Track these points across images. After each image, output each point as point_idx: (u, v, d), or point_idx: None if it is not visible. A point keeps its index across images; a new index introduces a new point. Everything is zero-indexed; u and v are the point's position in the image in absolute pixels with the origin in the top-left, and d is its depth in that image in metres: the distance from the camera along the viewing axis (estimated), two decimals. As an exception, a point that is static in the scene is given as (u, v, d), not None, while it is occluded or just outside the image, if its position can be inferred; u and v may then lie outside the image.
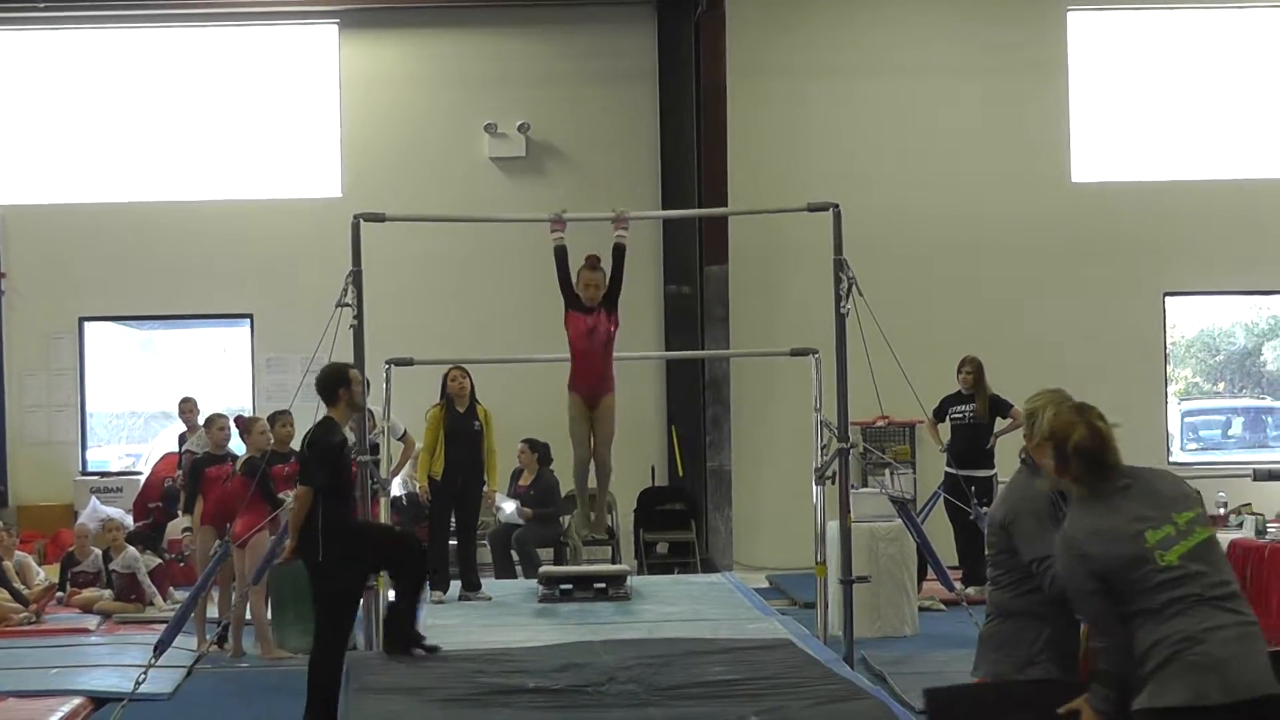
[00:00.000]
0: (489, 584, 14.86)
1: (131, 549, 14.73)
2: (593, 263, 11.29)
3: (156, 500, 16.71)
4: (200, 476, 13.03)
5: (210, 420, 13.47)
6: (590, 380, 11.35)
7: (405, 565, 9.97)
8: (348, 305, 11.30)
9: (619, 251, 11.36)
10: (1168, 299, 19.20)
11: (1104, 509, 5.64)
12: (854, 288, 11.26)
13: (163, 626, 11.23)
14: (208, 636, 12.72)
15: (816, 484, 12.05)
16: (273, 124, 18.94)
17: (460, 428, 14.22)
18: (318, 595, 9.63)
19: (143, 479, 17.75)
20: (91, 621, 14.17)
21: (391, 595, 10.35)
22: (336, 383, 9.75)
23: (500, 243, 17.99)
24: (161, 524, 16.18)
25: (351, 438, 11.72)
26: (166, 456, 17.31)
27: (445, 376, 14.35)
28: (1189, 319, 21.03)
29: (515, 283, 18.26)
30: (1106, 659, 5.52)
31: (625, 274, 11.44)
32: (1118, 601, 5.47)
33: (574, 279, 11.33)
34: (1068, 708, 5.58)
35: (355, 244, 11.49)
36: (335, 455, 9.54)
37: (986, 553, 6.40)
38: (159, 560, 14.93)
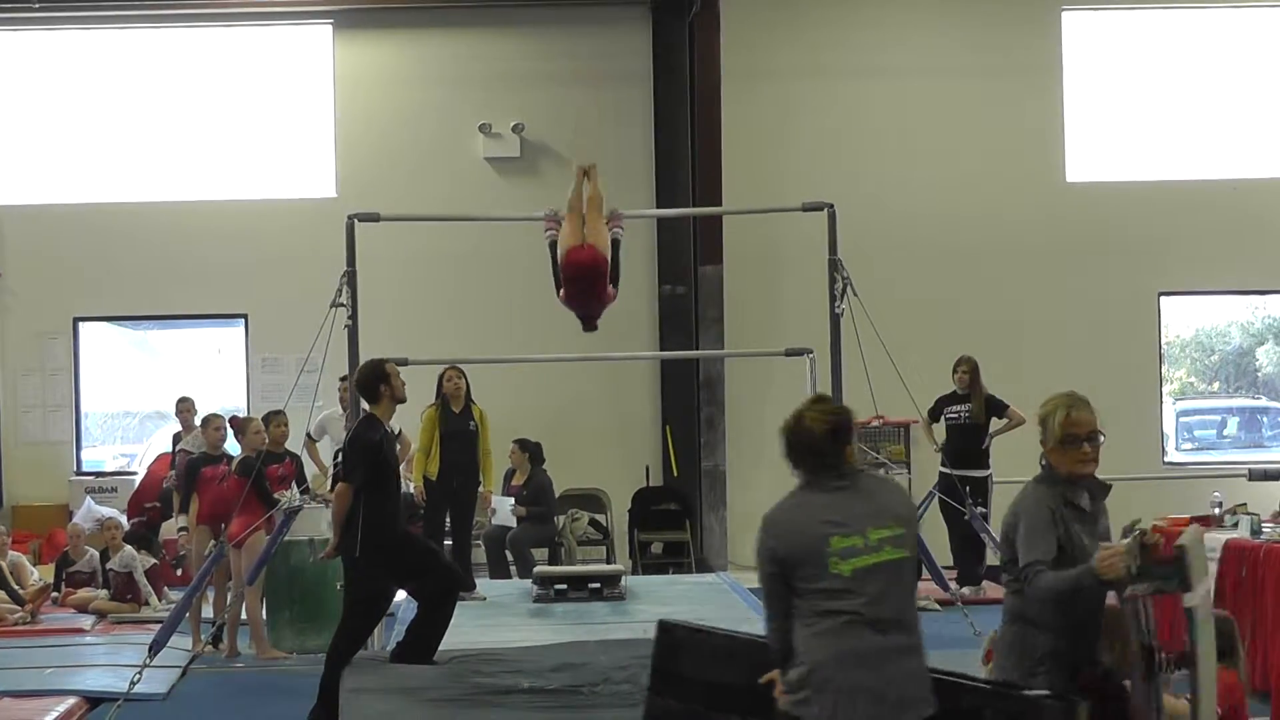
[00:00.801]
0: (484, 584, 14.85)
1: (129, 548, 14.73)
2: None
3: (153, 500, 16.73)
4: (196, 477, 13.02)
5: (206, 420, 13.47)
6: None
7: (437, 596, 9.82)
8: (342, 305, 11.33)
9: (614, 246, 11.32)
10: (1163, 299, 19.19)
11: (807, 501, 5.80)
12: (849, 288, 11.30)
13: (158, 627, 11.23)
14: (203, 637, 12.72)
15: (812, 484, 12.04)
16: (267, 124, 18.93)
17: (456, 428, 14.22)
18: (349, 593, 9.60)
19: (137, 479, 17.79)
20: (86, 621, 14.17)
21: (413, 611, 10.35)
22: (377, 379, 9.73)
23: (495, 243, 18.00)
24: (157, 523, 16.19)
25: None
26: (161, 457, 17.32)
27: (441, 377, 14.35)
28: (1184, 319, 21.04)
29: (510, 283, 18.24)
30: (771, 637, 5.66)
31: (622, 268, 11.50)
32: (788, 591, 5.62)
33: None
34: (767, 677, 5.69)
35: (350, 244, 11.52)
36: (375, 452, 9.51)
37: (1000, 558, 6.40)
38: (154, 560, 14.90)
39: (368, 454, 9.48)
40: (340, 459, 9.99)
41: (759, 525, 5.82)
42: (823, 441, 5.81)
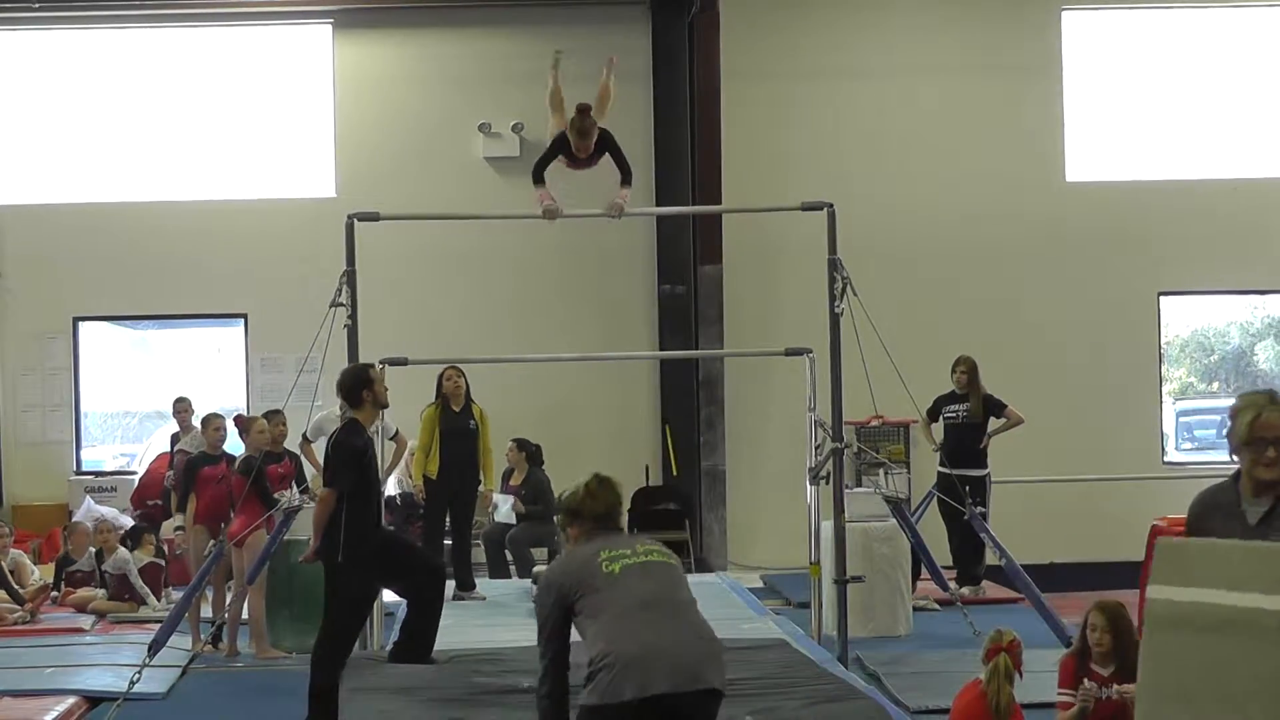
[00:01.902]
0: (483, 584, 14.87)
1: (122, 551, 14.69)
2: (584, 109, 11.31)
3: (155, 498, 16.72)
4: (195, 476, 13.02)
5: (206, 420, 13.46)
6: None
7: (424, 591, 9.82)
8: (342, 305, 11.31)
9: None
10: (1162, 298, 19.18)
11: (581, 548, 6.62)
12: (848, 287, 11.28)
13: (157, 626, 11.23)
14: (202, 636, 12.72)
15: (811, 484, 12.06)
16: (267, 124, 18.93)
17: (455, 427, 14.23)
18: (331, 597, 9.59)
19: (137, 479, 17.79)
20: (86, 621, 14.16)
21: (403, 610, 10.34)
22: (360, 384, 9.69)
23: (494, 242, 18.03)
24: (158, 521, 16.18)
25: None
26: (161, 456, 17.31)
27: (441, 376, 14.37)
28: (1183, 318, 21.03)
29: (509, 283, 18.27)
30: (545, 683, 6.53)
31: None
32: (570, 611, 6.39)
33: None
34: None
35: (349, 243, 11.50)
36: (359, 458, 9.49)
37: None
38: (148, 559, 14.85)
39: (353, 460, 9.46)
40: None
41: (543, 582, 6.71)
42: (604, 517, 6.69)
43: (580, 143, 11.13)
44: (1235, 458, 5.94)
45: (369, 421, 9.78)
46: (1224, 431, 6.08)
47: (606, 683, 6.15)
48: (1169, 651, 5.28)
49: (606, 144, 11.26)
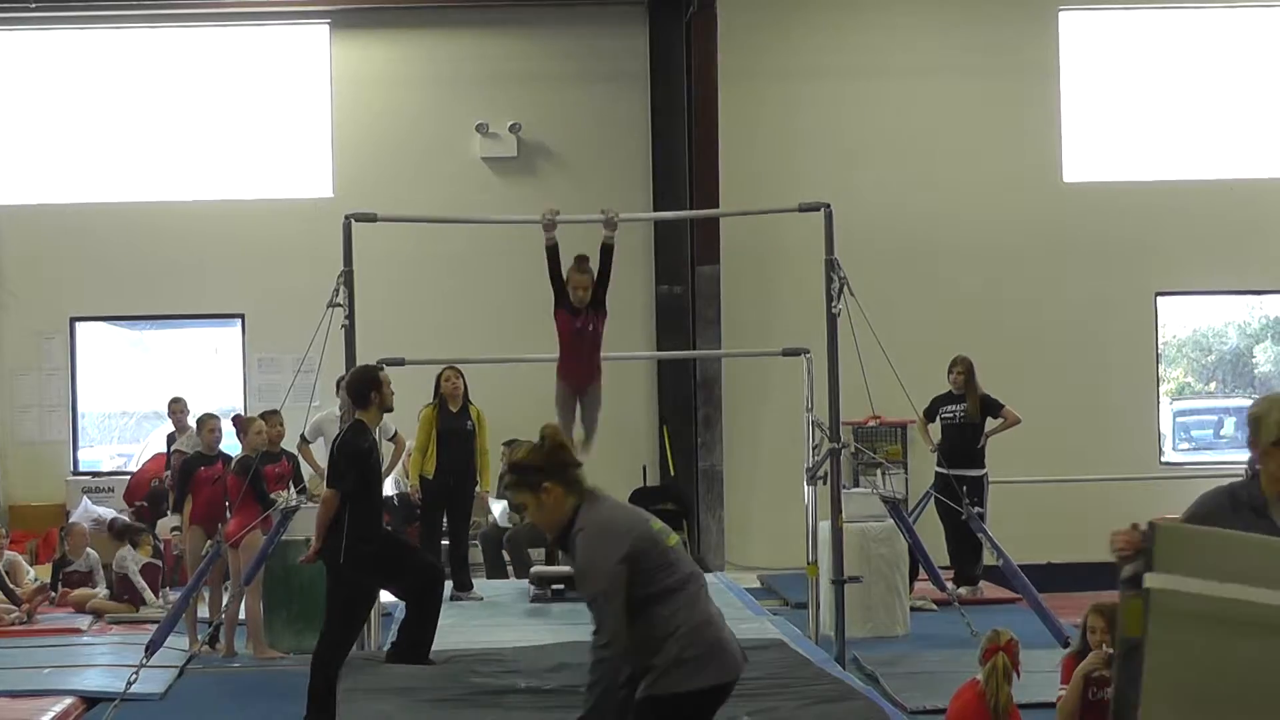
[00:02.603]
0: (480, 584, 14.85)
1: (125, 549, 14.69)
2: (581, 264, 11.09)
3: (141, 499, 16.70)
4: (190, 477, 13.00)
5: (201, 421, 13.45)
6: (579, 372, 11.22)
7: (423, 593, 9.83)
8: (339, 305, 11.30)
9: (607, 251, 11.21)
10: (1160, 299, 19.20)
11: (608, 503, 6.08)
12: (845, 288, 11.27)
13: (154, 627, 11.23)
14: (199, 637, 12.72)
15: (808, 484, 12.08)
16: (264, 124, 18.93)
17: (453, 428, 14.22)
18: (332, 597, 9.59)
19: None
20: (83, 621, 14.16)
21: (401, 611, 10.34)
22: (368, 386, 9.74)
23: (492, 243, 17.98)
24: (148, 521, 16.12)
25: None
26: (156, 456, 17.30)
27: (439, 376, 14.36)
28: (1181, 319, 21.05)
29: (507, 283, 18.25)
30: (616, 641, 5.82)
31: (614, 273, 11.31)
32: (639, 585, 5.82)
33: (564, 278, 11.17)
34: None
35: (347, 244, 11.50)
36: (364, 459, 9.52)
37: None
38: (146, 560, 14.83)
39: (358, 461, 9.49)
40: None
41: (592, 537, 5.94)
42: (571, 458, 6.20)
43: (577, 292, 11.04)
44: (1256, 459, 5.79)
45: (374, 423, 9.81)
46: (1246, 434, 5.88)
47: (693, 669, 5.88)
48: (1179, 647, 4.99)
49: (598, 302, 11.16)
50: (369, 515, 9.53)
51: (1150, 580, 5.07)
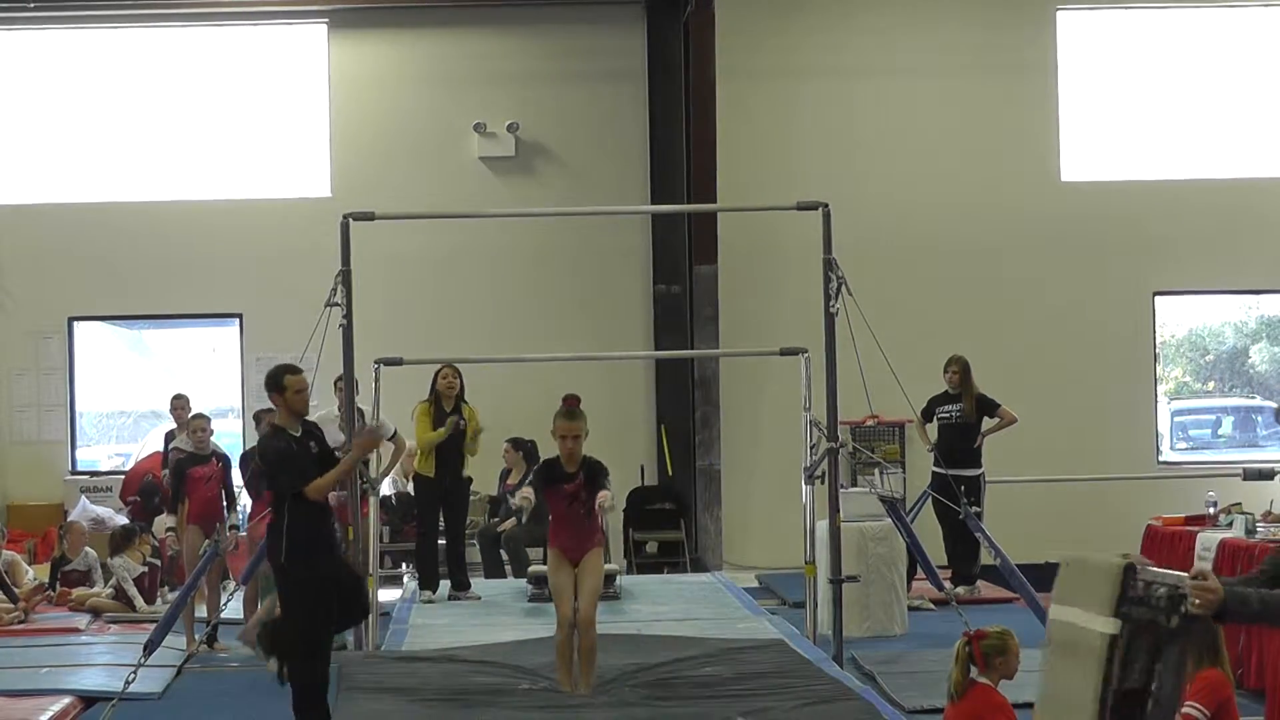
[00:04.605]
0: (478, 584, 14.87)
1: (119, 559, 14.58)
2: (570, 406, 10.06)
3: (134, 495, 16.68)
4: (183, 477, 12.96)
5: (189, 421, 13.42)
6: (575, 541, 9.78)
7: (349, 606, 9.64)
8: (337, 304, 11.33)
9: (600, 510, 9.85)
10: (1157, 298, 19.18)
11: None
12: (843, 287, 11.27)
13: (152, 626, 11.22)
14: (197, 636, 12.71)
15: (806, 483, 12.06)
16: (262, 124, 18.92)
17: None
18: (286, 600, 9.50)
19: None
20: (81, 621, 14.14)
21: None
22: (272, 388, 9.54)
23: (490, 242, 18.04)
24: (141, 517, 16.03)
25: (342, 438, 11.76)
26: (152, 455, 17.29)
27: (436, 374, 14.37)
28: (1179, 318, 21.06)
29: (505, 282, 18.27)
30: None
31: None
32: None
33: (550, 432, 9.98)
34: None
35: (344, 243, 11.52)
36: (289, 457, 9.31)
37: None
38: (140, 568, 14.71)
39: (281, 462, 9.32)
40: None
41: None
42: None
43: (565, 443, 9.82)
44: None
45: (289, 425, 9.47)
46: None
47: None
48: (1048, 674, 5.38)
49: (593, 471, 9.85)
50: (309, 514, 9.31)
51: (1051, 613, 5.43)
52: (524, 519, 15.19)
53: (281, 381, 9.48)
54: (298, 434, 9.43)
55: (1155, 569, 5.15)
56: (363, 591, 9.91)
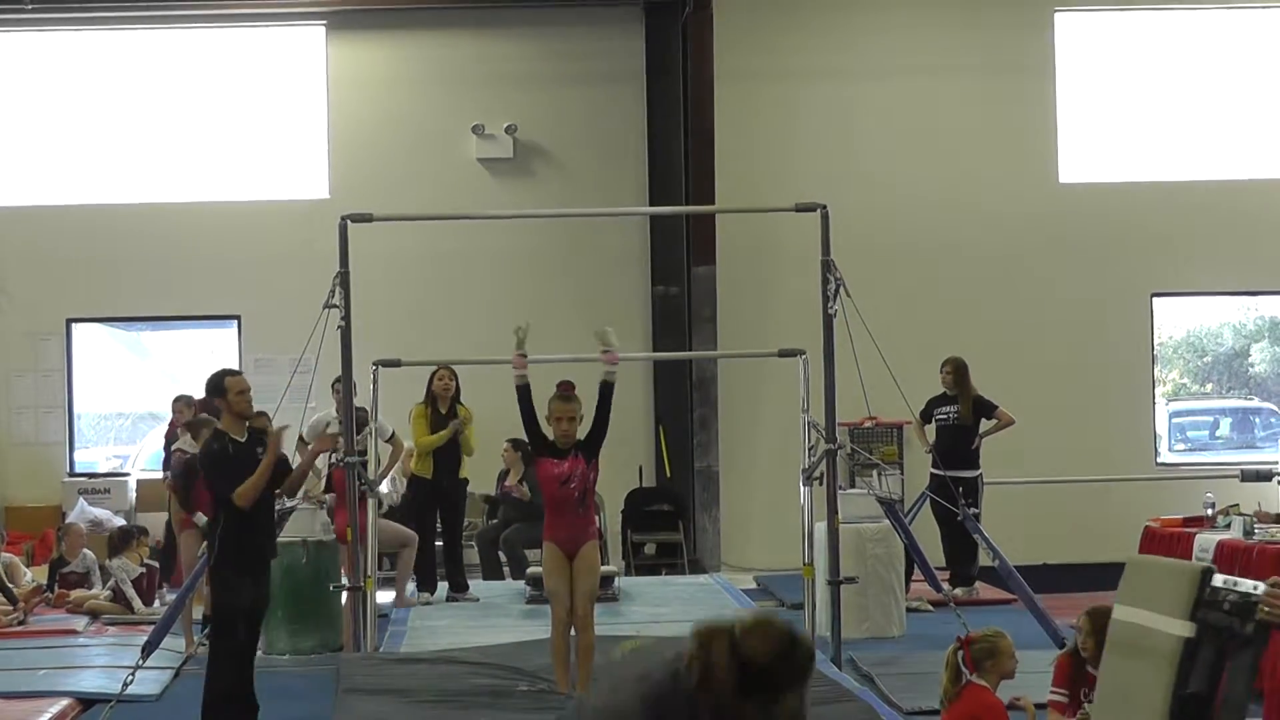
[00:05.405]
0: (476, 585, 14.86)
1: (118, 560, 14.55)
2: (565, 391, 9.84)
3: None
4: (195, 479, 12.92)
5: (192, 424, 13.41)
6: (569, 532, 9.61)
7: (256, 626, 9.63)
8: (335, 306, 11.32)
9: (606, 391, 9.80)
10: (1155, 300, 19.19)
11: None
12: (841, 289, 11.27)
13: (150, 628, 11.22)
14: (195, 638, 12.70)
15: (804, 485, 12.05)
16: (260, 125, 18.90)
17: (442, 428, 14.24)
18: (212, 602, 9.45)
19: (131, 480, 17.76)
20: (79, 623, 14.12)
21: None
22: (212, 392, 9.46)
23: (488, 244, 18.03)
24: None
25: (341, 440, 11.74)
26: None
27: (432, 375, 14.36)
28: (1177, 320, 21.07)
29: (503, 283, 18.24)
30: None
31: (612, 416, 9.89)
32: None
33: (544, 416, 9.82)
34: None
35: (343, 245, 11.51)
36: (223, 462, 9.23)
37: None
38: (139, 569, 14.68)
39: (217, 465, 9.27)
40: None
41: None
42: None
43: (560, 425, 9.70)
44: None
45: (233, 429, 9.37)
46: None
47: None
48: (1110, 673, 5.32)
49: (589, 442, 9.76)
50: (242, 521, 9.20)
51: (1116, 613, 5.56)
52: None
53: (222, 384, 9.40)
54: (242, 439, 9.34)
55: (1227, 575, 5.18)
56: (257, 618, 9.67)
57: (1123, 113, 19.27)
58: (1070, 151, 19.11)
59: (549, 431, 9.73)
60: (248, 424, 9.47)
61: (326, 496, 13.29)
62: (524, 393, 9.88)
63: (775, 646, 4.21)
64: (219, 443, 9.32)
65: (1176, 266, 19.04)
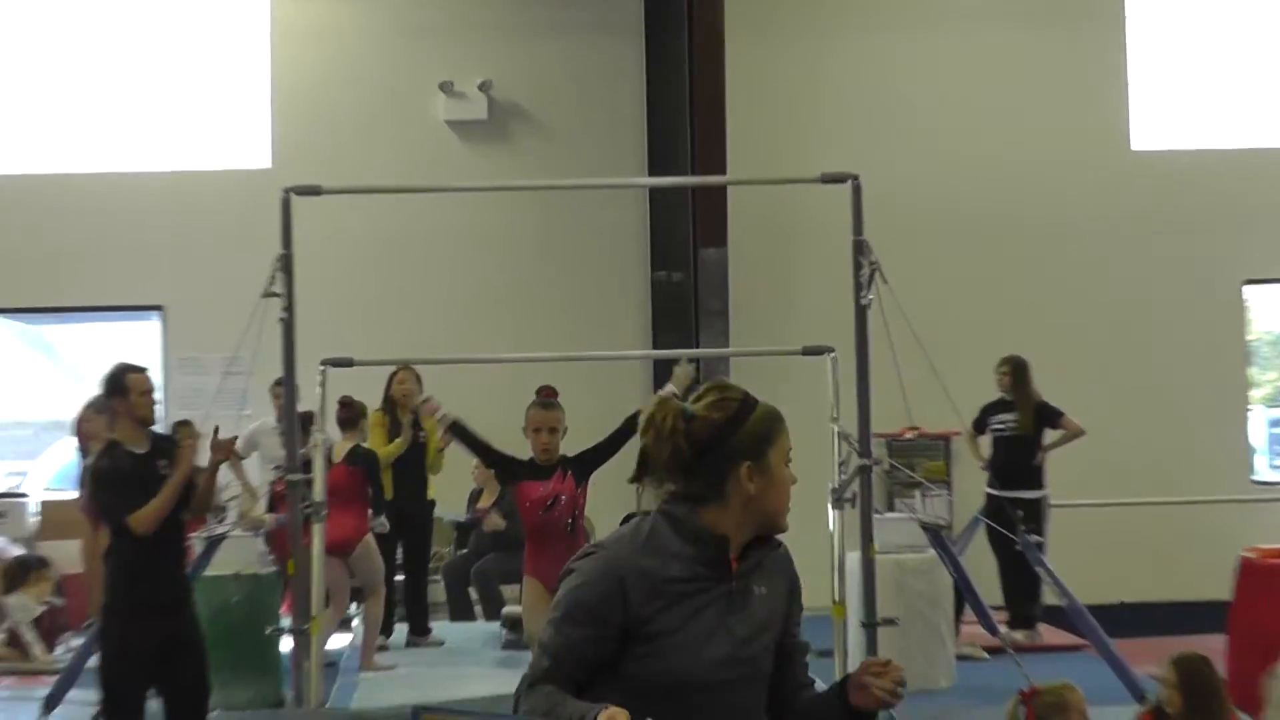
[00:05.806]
0: (442, 627, 14.81)
1: (16, 598, 14.42)
2: (546, 397, 10.02)
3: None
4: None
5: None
6: (555, 565, 9.74)
7: (182, 680, 9.11)
8: (276, 295, 11.23)
9: (629, 423, 9.58)
10: (1248, 288, 19.25)
11: None
12: (877, 274, 11.20)
13: (54, 678, 11.06)
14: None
15: (834, 508, 11.95)
16: (190, 83, 18.81)
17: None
18: (101, 666, 9.07)
19: (29, 501, 17.59)
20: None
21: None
22: (111, 391, 9.11)
23: (457, 221, 17.97)
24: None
25: (281, 453, 11.58)
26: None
27: (391, 378, 14.28)
28: (1273, 311, 21.07)
29: (477, 269, 18.25)
30: None
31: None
32: None
33: (522, 429, 9.81)
34: None
35: (285, 223, 11.42)
36: (118, 479, 8.94)
37: None
38: (40, 607, 14.53)
39: (110, 481, 8.95)
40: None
41: None
42: None
43: (540, 438, 9.73)
44: None
45: (129, 438, 9.05)
46: None
47: None
48: None
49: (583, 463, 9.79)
50: (136, 552, 8.88)
51: None
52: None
53: (124, 382, 9.06)
54: (142, 450, 9.04)
55: None
56: (197, 665, 9.22)
57: (1205, 68, 19.20)
58: (1143, 113, 19.05)
59: (528, 443, 9.70)
60: (151, 432, 9.18)
61: (268, 517, 13.21)
62: (456, 429, 10.05)
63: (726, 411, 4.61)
64: (110, 457, 9.01)
65: (1272, 248, 19.02)
